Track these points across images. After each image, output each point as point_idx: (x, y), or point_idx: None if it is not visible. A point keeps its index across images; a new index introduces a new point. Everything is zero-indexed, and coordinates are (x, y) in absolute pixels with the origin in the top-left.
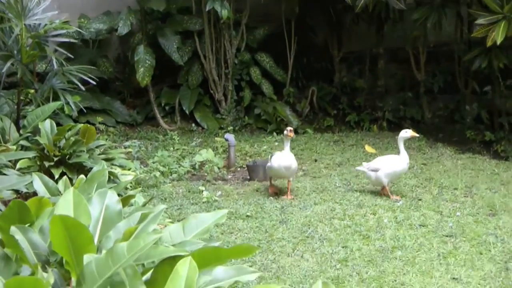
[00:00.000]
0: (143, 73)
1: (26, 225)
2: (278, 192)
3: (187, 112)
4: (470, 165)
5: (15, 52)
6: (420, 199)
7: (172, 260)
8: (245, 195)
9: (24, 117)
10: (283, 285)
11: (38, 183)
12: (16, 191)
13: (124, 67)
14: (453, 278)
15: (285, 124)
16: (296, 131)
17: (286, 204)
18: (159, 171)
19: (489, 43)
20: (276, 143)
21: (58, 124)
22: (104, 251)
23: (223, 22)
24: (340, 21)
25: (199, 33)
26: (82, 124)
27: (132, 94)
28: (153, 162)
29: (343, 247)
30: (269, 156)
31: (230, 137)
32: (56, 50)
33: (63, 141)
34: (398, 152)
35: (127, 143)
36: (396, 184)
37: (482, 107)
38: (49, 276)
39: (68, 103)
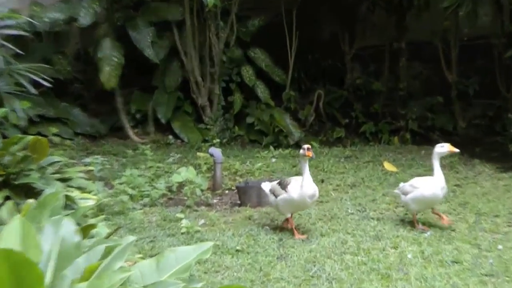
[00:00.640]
0: (108, 73)
1: None
2: (308, 236)
3: (163, 121)
4: None
5: None
6: (453, 230)
7: None
8: (234, 224)
9: None
10: None
11: None
12: None
13: (85, 65)
14: None
15: (284, 135)
16: (298, 145)
17: (286, 236)
18: (127, 194)
19: None
20: (274, 160)
21: (2, 137)
22: None
23: (208, 11)
24: (352, 11)
25: (178, 24)
26: (32, 136)
27: (95, 99)
28: (120, 183)
29: None
30: (277, 183)
31: (216, 152)
32: (2, 45)
33: (8, 157)
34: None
35: (87, 160)
36: (427, 210)
37: None
38: None
39: (14, 110)
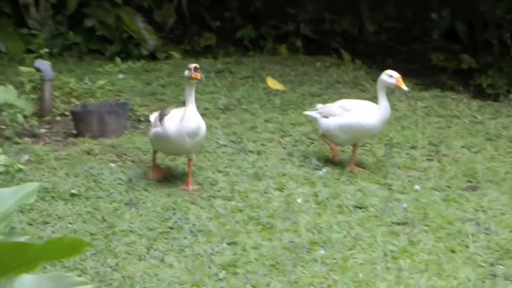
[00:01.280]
0: None
1: None
2: (167, 176)
3: None
4: (438, 109)
5: None
6: (356, 165)
7: None
8: (69, 160)
9: None
10: None
11: None
12: None
13: None
14: None
15: (136, 43)
16: (153, 55)
17: (137, 175)
18: None
19: None
20: (121, 76)
21: None
22: None
23: None
24: None
25: None
26: None
27: None
28: None
29: (229, 244)
30: (153, 116)
31: (45, 65)
32: None
33: None
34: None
35: None
36: (319, 140)
37: (457, 15)
38: None
39: None
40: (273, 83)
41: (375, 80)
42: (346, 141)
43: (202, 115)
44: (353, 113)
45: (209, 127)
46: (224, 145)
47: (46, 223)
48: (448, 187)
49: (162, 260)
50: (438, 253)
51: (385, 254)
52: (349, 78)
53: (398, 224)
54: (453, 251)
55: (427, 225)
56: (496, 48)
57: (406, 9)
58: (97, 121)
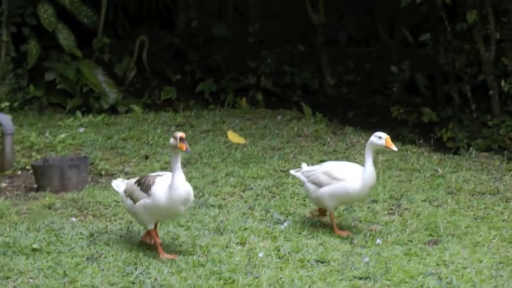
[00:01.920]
0: None
1: None
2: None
3: None
4: (398, 163)
5: None
6: (317, 219)
7: None
8: (30, 215)
9: None
10: None
11: None
12: None
13: None
14: None
15: (96, 97)
16: (114, 109)
17: (99, 229)
18: None
19: None
20: (82, 129)
21: None
22: None
23: None
24: None
25: None
26: None
27: None
28: None
29: None
30: (135, 182)
31: (5, 119)
32: None
33: None
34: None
35: None
36: (282, 192)
37: (418, 68)
38: None
39: None
40: (234, 137)
41: (335, 134)
42: (334, 207)
43: (163, 169)
44: (341, 181)
45: None
46: None
47: (7, 278)
48: (410, 241)
49: None
50: None
51: None
52: (310, 131)
53: (360, 278)
54: None
55: (389, 280)
56: (456, 101)
57: (366, 62)
58: (58, 175)
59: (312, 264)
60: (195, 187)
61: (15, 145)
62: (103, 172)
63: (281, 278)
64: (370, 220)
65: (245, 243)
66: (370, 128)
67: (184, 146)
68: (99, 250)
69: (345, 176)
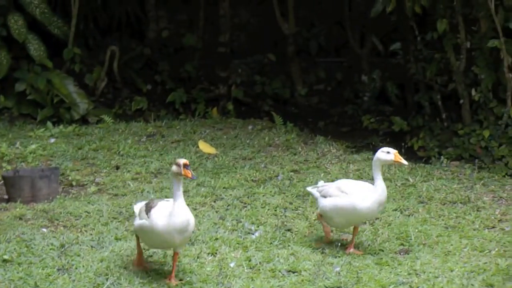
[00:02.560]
0: None
1: None
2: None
3: None
4: (369, 172)
5: None
6: (289, 229)
7: None
8: (1, 226)
9: None
10: None
11: None
12: None
13: None
14: None
15: (67, 107)
16: (85, 119)
17: (70, 240)
18: None
19: None
20: (52, 140)
21: None
22: None
23: None
24: None
25: None
26: None
27: None
28: None
29: None
30: (138, 205)
31: None
32: None
33: None
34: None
35: None
36: (253, 202)
37: (388, 77)
38: None
39: None
40: (205, 147)
41: (306, 143)
42: (341, 224)
43: (134, 179)
44: (349, 195)
45: (141, 191)
46: None
47: None
48: (381, 250)
49: None
50: None
51: None
52: (280, 141)
53: None
54: None
55: None
56: (427, 110)
57: (337, 71)
58: (29, 186)
59: (283, 274)
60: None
61: None
62: (73, 183)
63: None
64: (335, 229)
65: (216, 253)
66: (341, 138)
67: (189, 172)
68: (70, 261)
69: (355, 191)
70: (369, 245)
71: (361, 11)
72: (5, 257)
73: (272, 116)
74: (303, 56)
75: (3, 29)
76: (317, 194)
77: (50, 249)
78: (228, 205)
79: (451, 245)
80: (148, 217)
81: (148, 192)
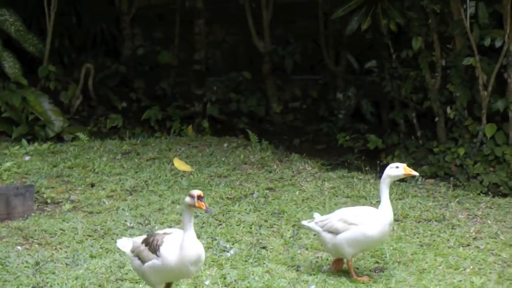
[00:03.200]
0: None
1: None
2: None
3: None
4: (345, 190)
5: None
6: (263, 247)
7: None
8: None
9: None
10: None
11: None
12: None
13: None
14: None
15: (42, 125)
16: (60, 137)
17: (45, 258)
18: None
19: None
20: (27, 158)
21: None
22: None
23: None
24: None
25: None
26: None
27: None
28: None
29: None
30: (142, 242)
31: None
32: None
33: None
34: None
35: None
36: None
37: (364, 95)
38: None
39: None
40: (180, 164)
41: (281, 161)
42: (355, 253)
43: (109, 197)
44: (359, 226)
45: (115, 209)
46: (132, 227)
47: None
48: (356, 268)
49: None
50: None
51: None
52: (256, 159)
53: None
54: None
55: None
56: (402, 127)
57: (312, 89)
58: (4, 203)
59: None
60: (141, 215)
61: None
62: (48, 200)
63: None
64: (316, 247)
65: None
66: (316, 155)
67: (204, 205)
68: (44, 279)
69: (361, 220)
70: (344, 263)
71: (336, 29)
72: None
73: (247, 134)
74: (279, 73)
75: None
76: (318, 229)
77: (25, 266)
78: (203, 223)
79: (426, 263)
80: (159, 256)
81: (122, 209)
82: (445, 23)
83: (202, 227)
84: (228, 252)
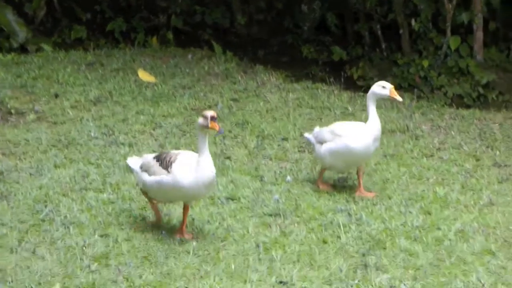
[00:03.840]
0: None
1: None
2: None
3: None
4: (309, 101)
5: None
6: (228, 157)
7: None
8: None
9: None
10: None
11: None
12: None
13: None
14: (281, 282)
15: (6, 36)
16: (24, 48)
17: (9, 167)
18: None
19: None
20: None
21: None
22: None
23: None
24: None
25: None
26: None
27: None
28: None
29: (101, 236)
30: (154, 158)
31: None
32: None
33: None
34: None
35: None
36: (192, 130)
37: (329, 7)
38: None
39: None
40: (144, 76)
41: (246, 72)
42: (342, 168)
43: (73, 107)
44: (342, 137)
45: (80, 119)
46: (96, 138)
47: None
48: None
49: (34, 253)
50: (310, 244)
51: (257, 245)
52: (220, 70)
53: (270, 215)
54: (325, 242)
55: (299, 216)
56: (366, 40)
57: (277, 1)
58: None
59: (222, 202)
60: (105, 125)
61: None
62: (12, 111)
63: (191, 215)
64: (280, 157)
65: None
66: (281, 67)
67: (217, 125)
68: (8, 188)
69: (346, 132)
70: (308, 173)
71: None
72: None
73: (211, 45)
74: None
75: None
76: (313, 140)
77: None
78: (168, 133)
79: (390, 173)
80: (169, 172)
81: (87, 120)
82: None
83: (166, 137)
84: None
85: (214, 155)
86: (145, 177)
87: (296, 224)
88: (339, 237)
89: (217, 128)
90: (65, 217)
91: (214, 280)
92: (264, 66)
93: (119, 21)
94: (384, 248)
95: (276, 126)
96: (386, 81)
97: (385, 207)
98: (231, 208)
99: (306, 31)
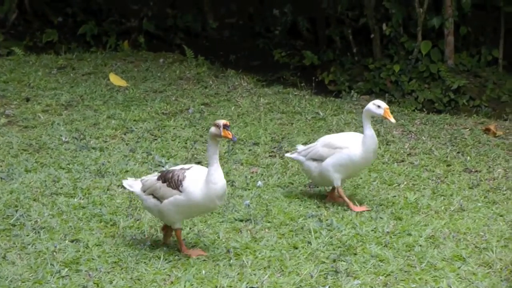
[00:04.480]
0: None
1: None
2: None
3: None
4: (280, 105)
5: None
6: (198, 162)
7: None
8: None
9: None
10: None
11: None
12: None
13: None
14: None
15: None
16: None
17: None
18: None
19: None
20: None
21: None
22: None
23: None
24: None
25: None
26: None
27: None
28: None
29: (72, 241)
30: (158, 178)
31: None
32: None
33: None
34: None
35: None
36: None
37: (300, 11)
38: None
39: None
40: (115, 79)
41: (217, 77)
42: (342, 178)
43: (44, 111)
44: (342, 149)
45: (51, 123)
46: (67, 142)
47: None
48: (291, 183)
49: (4, 258)
50: (280, 250)
51: (228, 251)
52: (191, 74)
53: (241, 220)
54: (295, 247)
55: (269, 222)
56: (338, 44)
57: (249, 5)
58: None
59: None
60: (76, 130)
61: None
62: None
63: (161, 220)
64: (251, 162)
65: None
66: (252, 71)
67: (230, 134)
68: None
69: (346, 143)
70: (279, 178)
71: None
72: None
73: (183, 49)
74: None
75: None
76: (301, 158)
77: None
78: (139, 138)
79: (361, 178)
80: (181, 190)
81: (58, 124)
82: None
83: (137, 142)
84: (163, 167)
85: (185, 160)
86: (153, 202)
87: (267, 230)
88: (309, 242)
89: (230, 136)
90: (36, 222)
91: (184, 286)
92: (236, 71)
93: (91, 25)
94: (355, 254)
95: (247, 131)
96: (358, 86)
97: (355, 212)
98: None
99: (278, 35)
